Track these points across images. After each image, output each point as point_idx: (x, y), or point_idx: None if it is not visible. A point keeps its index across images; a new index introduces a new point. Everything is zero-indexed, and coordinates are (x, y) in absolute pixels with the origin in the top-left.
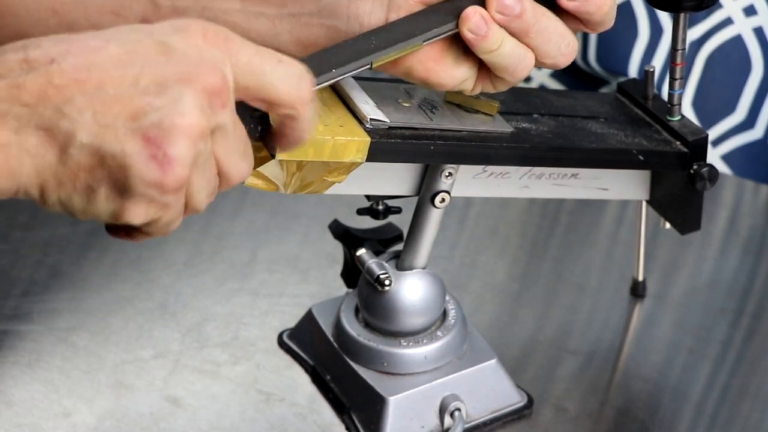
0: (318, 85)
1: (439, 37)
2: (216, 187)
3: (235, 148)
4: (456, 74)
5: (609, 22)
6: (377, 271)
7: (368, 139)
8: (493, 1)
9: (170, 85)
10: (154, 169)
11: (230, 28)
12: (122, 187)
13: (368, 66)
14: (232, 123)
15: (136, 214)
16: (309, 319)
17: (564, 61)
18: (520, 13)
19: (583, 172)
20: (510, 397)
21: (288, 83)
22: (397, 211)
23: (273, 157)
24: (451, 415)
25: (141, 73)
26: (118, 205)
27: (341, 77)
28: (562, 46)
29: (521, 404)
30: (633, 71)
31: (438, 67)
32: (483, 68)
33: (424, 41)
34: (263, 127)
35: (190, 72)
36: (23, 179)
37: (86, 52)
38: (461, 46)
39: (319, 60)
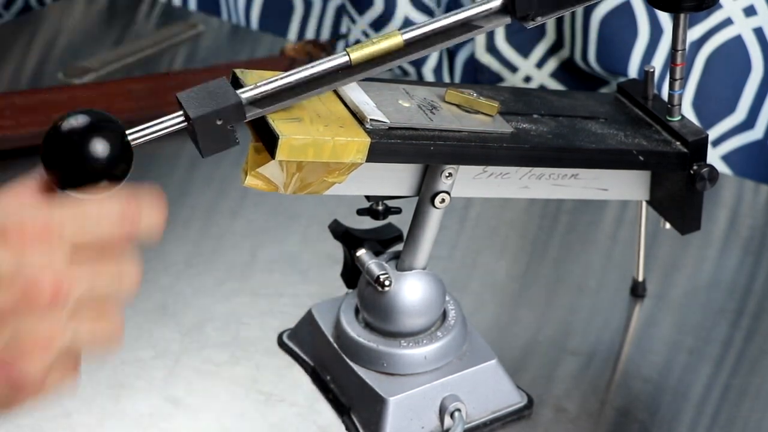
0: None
1: None
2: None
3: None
4: None
5: None
6: (377, 271)
7: (368, 140)
8: None
9: (7, 316)
10: (8, 388)
11: None
12: None
13: None
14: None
15: None
16: (309, 319)
17: None
18: None
19: (583, 172)
20: (510, 398)
21: (112, 228)
22: (397, 211)
23: (273, 157)
24: (451, 415)
25: None
26: None
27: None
28: None
29: (521, 405)
30: (633, 71)
31: None
32: None
33: None
34: None
35: (22, 298)
36: None
37: None
38: None
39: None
